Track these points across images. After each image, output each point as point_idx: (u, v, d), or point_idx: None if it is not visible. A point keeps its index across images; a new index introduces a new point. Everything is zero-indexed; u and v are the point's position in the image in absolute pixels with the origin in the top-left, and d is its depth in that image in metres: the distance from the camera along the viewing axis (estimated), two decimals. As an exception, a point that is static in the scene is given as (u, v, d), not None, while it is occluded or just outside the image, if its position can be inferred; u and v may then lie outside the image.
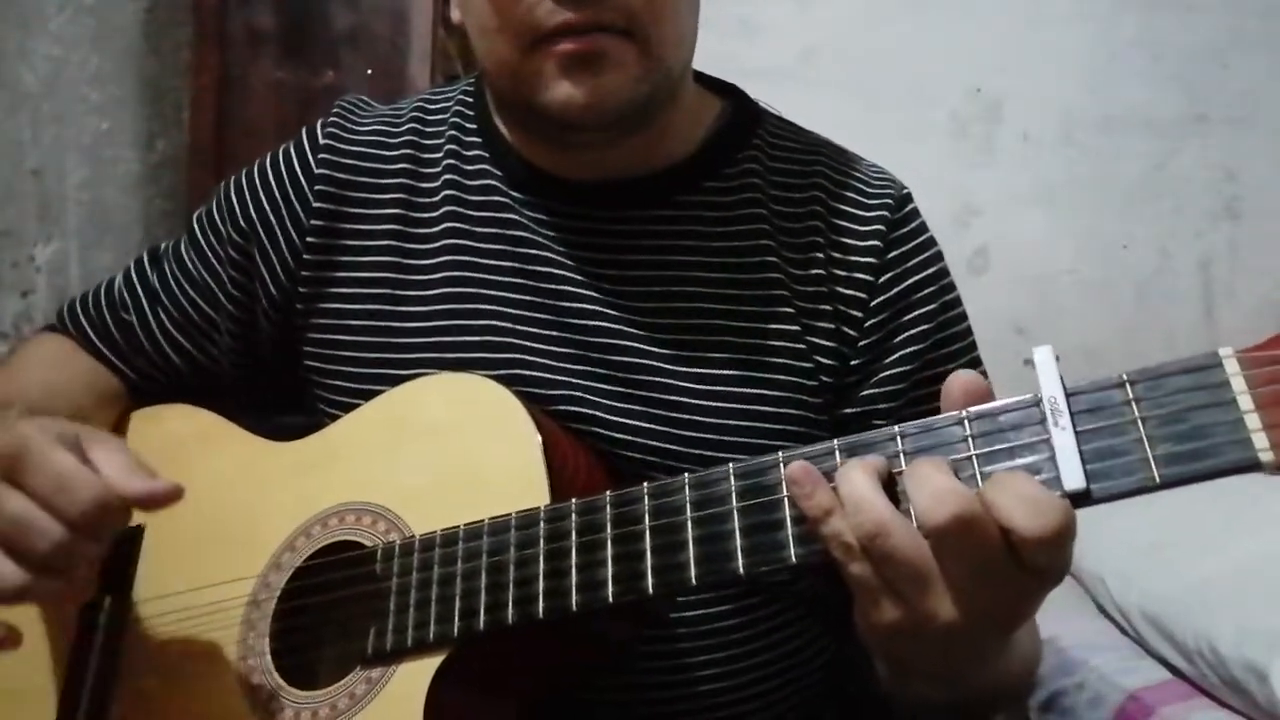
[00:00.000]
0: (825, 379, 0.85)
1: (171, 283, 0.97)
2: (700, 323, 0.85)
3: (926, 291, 0.87)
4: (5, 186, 1.98)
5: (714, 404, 0.83)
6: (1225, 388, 0.54)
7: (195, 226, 0.98)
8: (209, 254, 0.95)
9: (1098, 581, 1.88)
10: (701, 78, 0.94)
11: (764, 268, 0.86)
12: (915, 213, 0.90)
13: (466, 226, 0.89)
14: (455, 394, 0.81)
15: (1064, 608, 1.89)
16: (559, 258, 0.87)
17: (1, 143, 1.98)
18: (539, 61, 0.79)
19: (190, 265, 0.97)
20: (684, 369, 0.84)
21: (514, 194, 0.89)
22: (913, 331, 0.86)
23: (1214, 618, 1.56)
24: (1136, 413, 0.56)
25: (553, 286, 0.87)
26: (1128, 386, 0.56)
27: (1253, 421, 0.53)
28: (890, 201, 0.89)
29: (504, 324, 0.86)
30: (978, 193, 2.78)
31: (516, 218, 0.88)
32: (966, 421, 0.59)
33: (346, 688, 0.75)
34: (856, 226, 0.87)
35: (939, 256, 0.90)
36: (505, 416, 0.77)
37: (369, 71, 2.50)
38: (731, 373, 0.84)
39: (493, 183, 0.90)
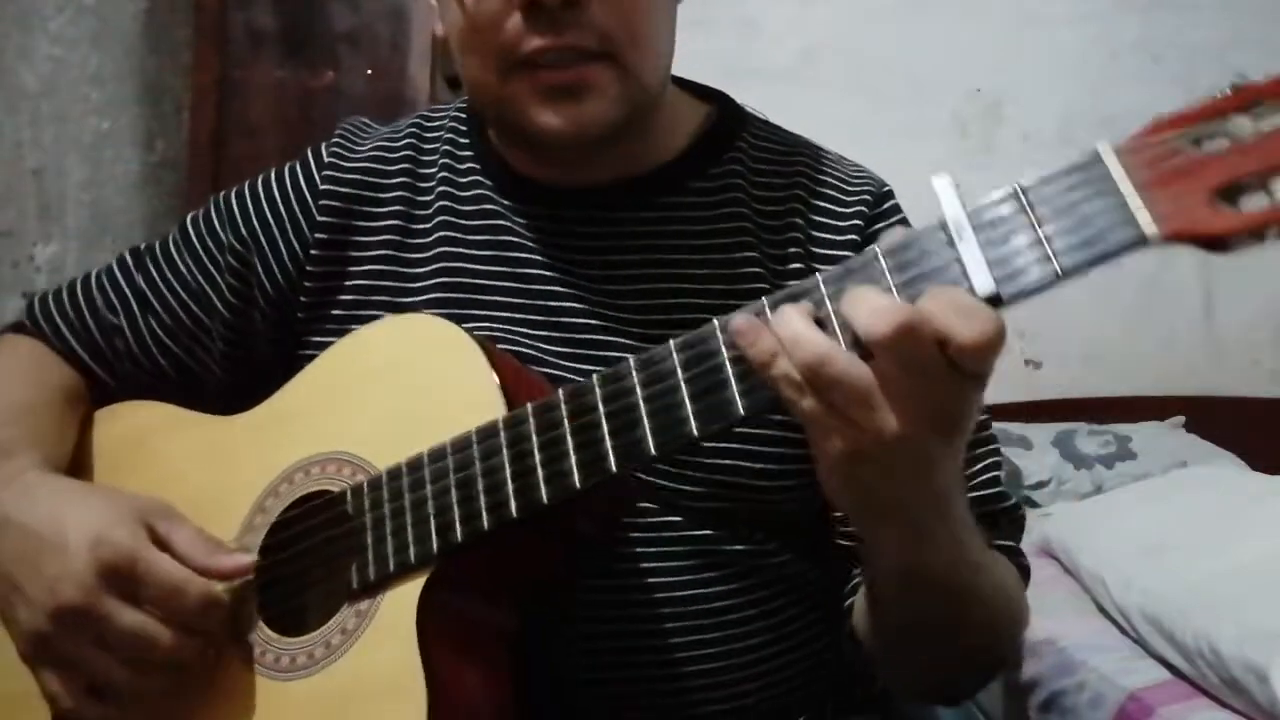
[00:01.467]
0: None
1: (162, 286, 0.97)
2: (685, 318, 0.85)
3: None
4: (5, 186, 1.98)
5: None
6: (1107, 179, 0.59)
7: (190, 230, 0.98)
8: (205, 260, 0.96)
9: (1098, 581, 1.89)
10: (689, 84, 0.96)
11: (747, 263, 0.88)
12: (895, 209, 0.91)
13: (459, 235, 0.91)
14: (395, 333, 0.83)
15: (1064, 608, 1.89)
16: (548, 260, 0.89)
17: (1, 143, 1.98)
18: (518, 86, 0.80)
19: (184, 269, 0.97)
20: None
21: (504, 201, 0.91)
22: None
23: (1214, 618, 1.56)
24: (1032, 216, 0.60)
25: (542, 288, 0.88)
26: (1020, 195, 0.61)
27: (1134, 202, 0.58)
28: (869, 198, 0.90)
29: (496, 326, 0.88)
30: (978, 193, 2.78)
31: (507, 224, 0.91)
32: (880, 256, 0.63)
33: (337, 625, 0.76)
34: (835, 222, 0.89)
35: None
36: (448, 343, 0.79)
37: (369, 71, 2.50)
38: None
39: (484, 192, 0.92)
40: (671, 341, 0.68)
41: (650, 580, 0.84)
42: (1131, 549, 1.89)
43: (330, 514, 0.79)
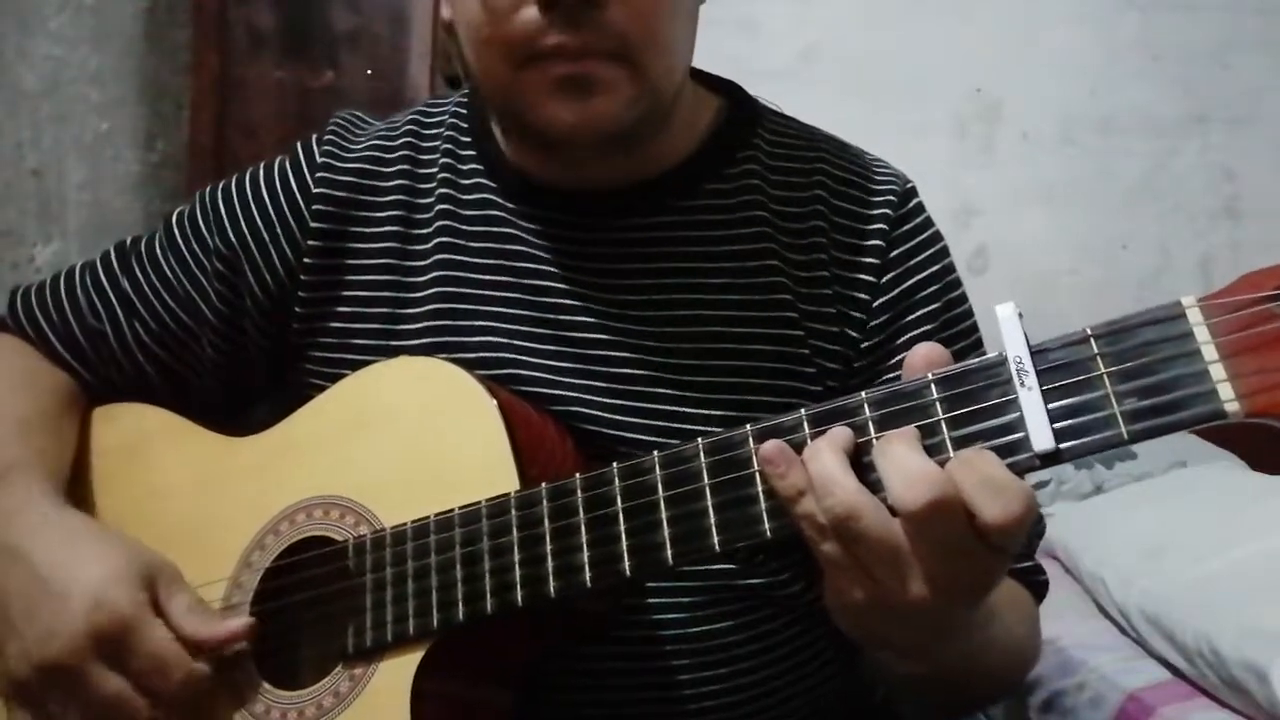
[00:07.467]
0: (830, 384, 0.83)
1: (148, 291, 0.92)
2: (702, 330, 0.83)
3: (930, 290, 0.85)
4: (5, 186, 1.98)
5: (717, 412, 0.81)
6: (1189, 339, 0.54)
7: (176, 230, 0.93)
8: (191, 264, 0.91)
9: (1098, 581, 1.89)
10: (699, 75, 0.90)
11: (768, 271, 0.84)
12: (919, 208, 0.87)
13: (460, 241, 0.87)
14: (411, 377, 0.80)
15: (1064, 608, 1.89)
16: (556, 269, 0.85)
17: (1, 143, 1.98)
18: (530, 79, 0.77)
19: (170, 273, 0.92)
20: (685, 377, 0.82)
21: (510, 205, 0.87)
22: (915, 332, 0.84)
23: (1214, 618, 1.56)
24: (1102, 368, 0.56)
25: (551, 300, 0.84)
26: (1092, 342, 0.56)
27: (1218, 372, 0.53)
28: (894, 198, 0.86)
29: (500, 339, 0.84)
30: (978, 193, 2.78)
31: (513, 230, 0.86)
32: (934, 385, 0.59)
33: (330, 685, 0.75)
34: (860, 225, 0.85)
35: (944, 253, 0.87)
36: (463, 396, 0.77)
37: (369, 71, 2.50)
38: (734, 380, 0.82)
39: (489, 195, 0.88)
40: (700, 440, 0.65)
41: (659, 616, 0.81)
42: (1131, 549, 1.88)
43: (331, 566, 0.78)
